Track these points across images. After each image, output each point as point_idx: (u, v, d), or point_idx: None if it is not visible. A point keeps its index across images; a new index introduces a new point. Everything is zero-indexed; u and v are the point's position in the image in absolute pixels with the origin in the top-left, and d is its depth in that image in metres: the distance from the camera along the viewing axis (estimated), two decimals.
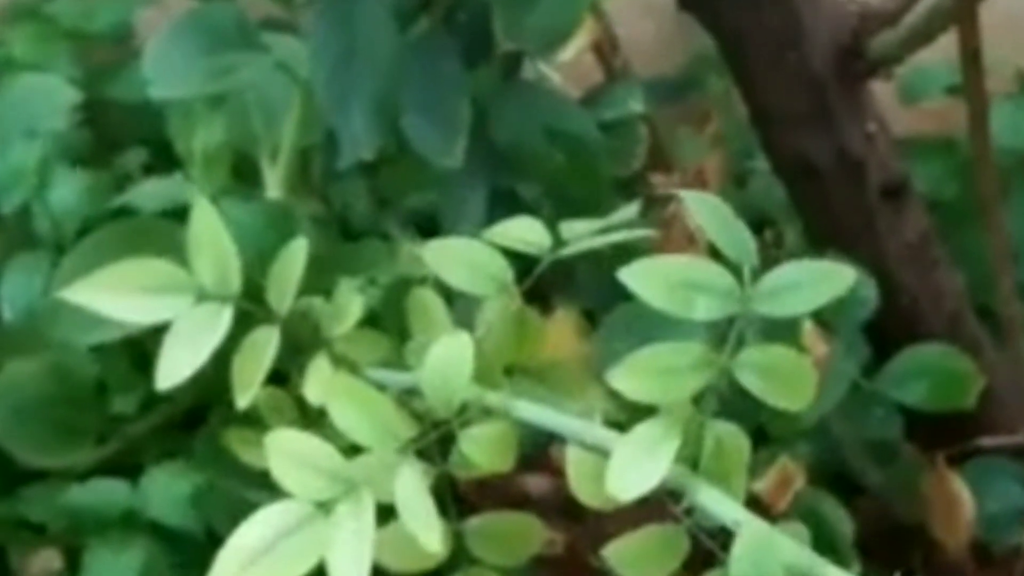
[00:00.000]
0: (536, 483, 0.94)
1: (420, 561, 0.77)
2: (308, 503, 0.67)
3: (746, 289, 0.70)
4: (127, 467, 0.86)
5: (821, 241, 0.91)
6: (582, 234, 0.76)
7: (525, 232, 0.77)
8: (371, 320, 0.81)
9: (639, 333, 0.73)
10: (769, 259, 0.99)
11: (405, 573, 0.78)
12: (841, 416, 0.91)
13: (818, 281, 0.71)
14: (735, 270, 0.71)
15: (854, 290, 0.90)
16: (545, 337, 0.78)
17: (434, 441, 0.74)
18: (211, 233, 0.75)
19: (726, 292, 0.70)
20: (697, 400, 0.71)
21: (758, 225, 1.08)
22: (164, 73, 0.83)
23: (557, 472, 0.86)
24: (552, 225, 0.78)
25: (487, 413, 0.73)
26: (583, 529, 0.94)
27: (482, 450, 0.73)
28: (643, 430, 0.69)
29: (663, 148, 1.01)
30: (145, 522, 0.83)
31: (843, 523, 0.88)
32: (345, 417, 0.71)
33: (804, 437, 0.90)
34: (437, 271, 0.76)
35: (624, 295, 0.71)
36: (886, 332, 0.91)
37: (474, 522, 0.79)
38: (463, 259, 0.76)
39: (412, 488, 0.69)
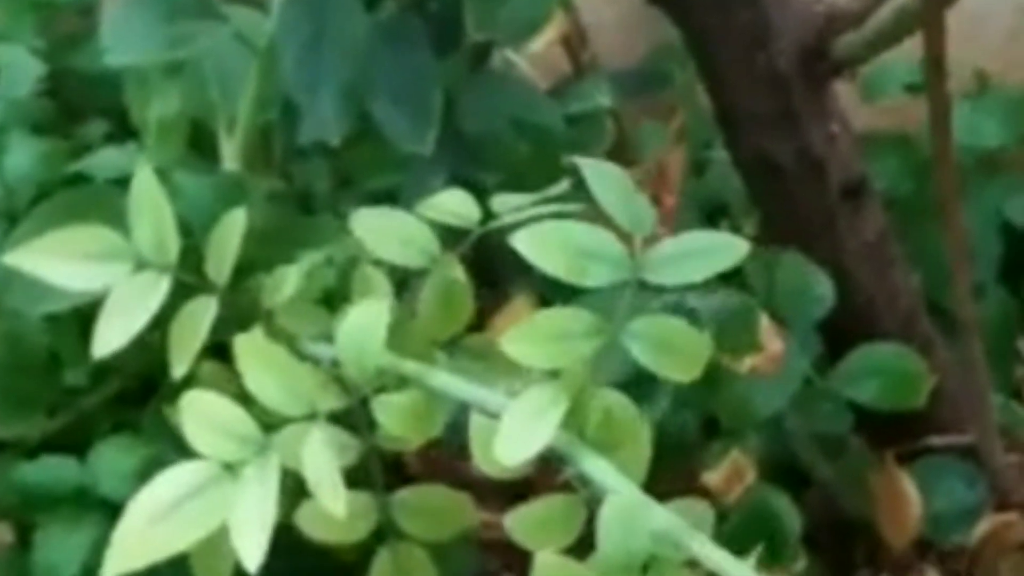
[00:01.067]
0: (478, 469, 0.95)
1: (345, 533, 0.77)
2: (216, 464, 0.67)
3: (637, 257, 0.70)
4: (78, 441, 0.85)
5: (781, 237, 0.92)
6: (513, 207, 0.76)
7: (456, 205, 0.77)
8: (326, 299, 0.81)
9: None
10: None
11: (331, 545, 0.78)
12: (793, 411, 0.92)
13: (709, 252, 0.71)
14: None
15: (810, 288, 0.92)
16: (470, 309, 0.78)
17: (362, 414, 0.74)
18: (151, 201, 0.75)
19: (618, 260, 0.70)
20: (589, 368, 0.71)
21: (715, 215, 1.09)
22: (122, 40, 0.83)
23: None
24: None
25: (403, 382, 0.73)
26: None
27: (396, 418, 0.73)
28: (532, 395, 0.70)
29: (627, 141, 1.02)
30: (96, 498, 0.82)
31: (791, 516, 0.89)
32: (258, 381, 0.70)
33: (756, 431, 0.91)
34: (366, 242, 0.77)
35: None
36: (841, 330, 0.92)
37: (401, 495, 0.79)
38: (392, 231, 0.77)
39: (319, 453, 0.68)
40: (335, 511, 0.67)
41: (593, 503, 0.70)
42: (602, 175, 0.72)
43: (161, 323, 0.76)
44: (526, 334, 0.70)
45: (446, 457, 0.89)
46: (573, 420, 0.70)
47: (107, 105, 1.00)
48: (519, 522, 0.73)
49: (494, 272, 0.87)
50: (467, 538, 0.84)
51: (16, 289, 0.81)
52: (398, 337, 0.74)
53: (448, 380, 0.73)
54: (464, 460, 0.91)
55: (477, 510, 0.94)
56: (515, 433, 0.69)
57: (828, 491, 0.94)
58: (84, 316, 0.81)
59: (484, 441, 0.71)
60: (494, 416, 0.70)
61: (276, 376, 0.70)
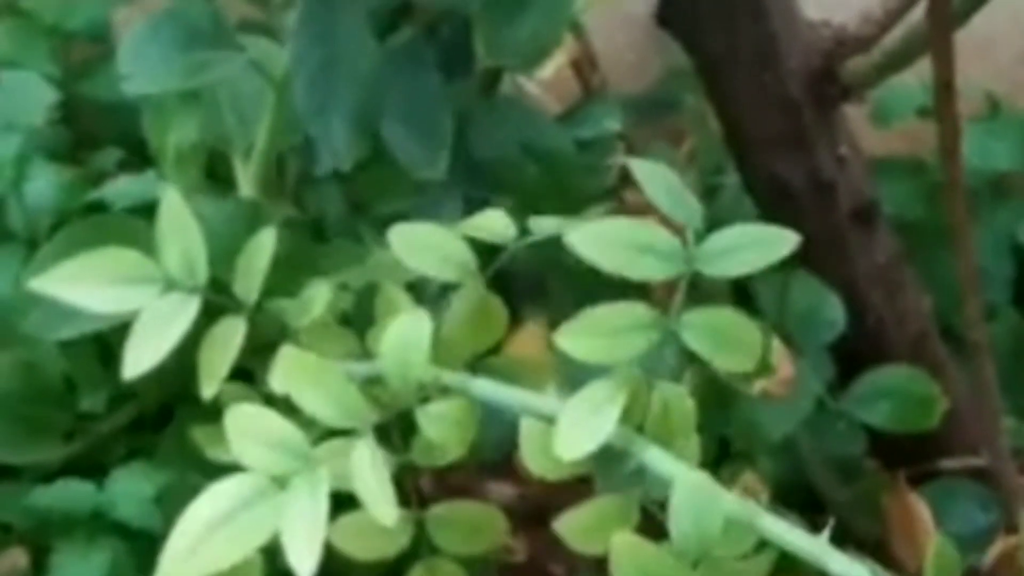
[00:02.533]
0: (500, 490, 0.95)
1: (382, 549, 0.78)
2: (264, 477, 0.67)
3: (690, 250, 0.70)
4: (95, 466, 0.86)
5: (792, 261, 0.92)
6: (548, 227, 0.76)
7: (492, 223, 0.78)
8: (342, 324, 0.82)
9: None
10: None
11: (367, 561, 0.78)
12: (806, 434, 0.92)
13: (760, 244, 0.72)
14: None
15: (822, 310, 0.92)
16: (505, 325, 0.79)
17: (397, 430, 0.75)
18: (179, 224, 0.76)
19: (670, 253, 0.70)
20: (645, 362, 0.71)
21: None
22: (139, 69, 0.84)
23: (521, 480, 0.87)
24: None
25: (445, 393, 0.74)
26: (546, 537, 0.95)
27: (440, 428, 0.73)
28: (589, 391, 0.70)
29: None
30: (112, 522, 0.83)
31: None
32: (304, 396, 0.71)
33: (768, 454, 0.91)
34: (401, 257, 0.77)
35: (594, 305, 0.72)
36: (852, 352, 0.92)
37: (436, 511, 0.79)
38: (428, 246, 0.77)
39: (367, 463, 0.69)
40: (387, 521, 0.67)
41: (647, 501, 0.71)
42: (651, 171, 0.73)
43: (178, 349, 0.77)
44: (581, 329, 0.71)
45: (461, 480, 0.90)
46: (630, 415, 0.71)
47: (121, 133, 1.00)
48: (570, 527, 0.73)
49: (508, 299, 0.87)
50: (500, 567, 0.85)
51: (34, 315, 0.82)
52: (432, 352, 0.74)
53: (494, 388, 0.73)
54: (480, 483, 0.92)
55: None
56: (574, 429, 0.69)
57: (841, 514, 0.94)
58: (100, 342, 0.82)
59: (536, 444, 0.71)
60: (547, 419, 0.70)
61: (323, 389, 0.71)
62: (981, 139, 1.09)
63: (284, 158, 0.92)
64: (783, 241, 0.71)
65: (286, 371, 0.71)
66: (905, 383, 0.92)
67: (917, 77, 0.97)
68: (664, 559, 0.66)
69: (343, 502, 0.70)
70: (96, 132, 1.04)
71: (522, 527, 0.96)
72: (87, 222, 0.84)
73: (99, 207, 0.88)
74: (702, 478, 0.69)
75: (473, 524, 0.80)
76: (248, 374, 0.79)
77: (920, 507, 0.92)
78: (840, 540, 0.93)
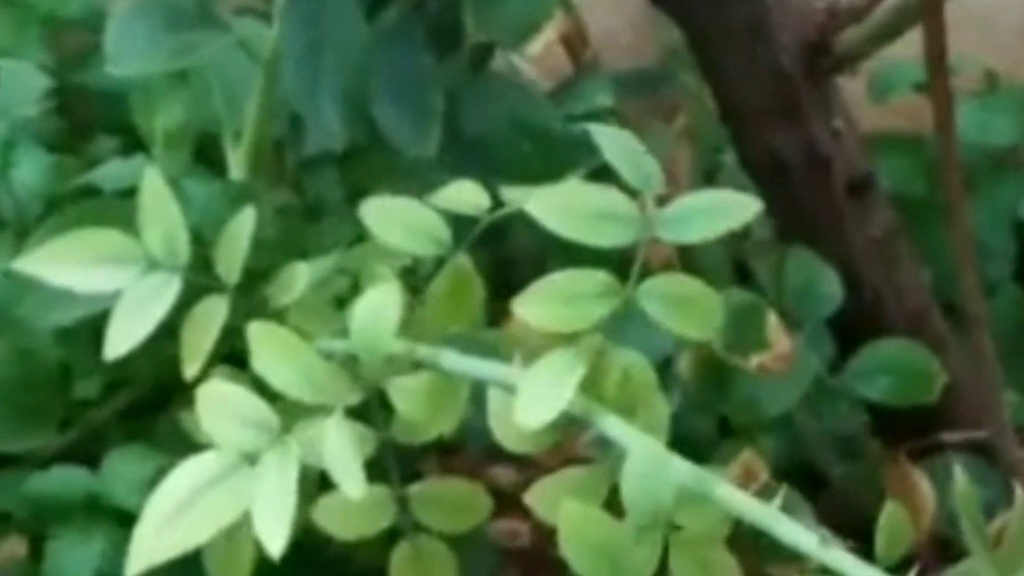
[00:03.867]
0: (503, 474, 0.95)
1: (364, 527, 0.77)
2: (234, 453, 0.67)
3: (648, 216, 0.70)
4: (91, 453, 0.86)
5: (789, 235, 0.92)
6: (520, 198, 0.75)
7: (465, 194, 0.77)
8: (338, 303, 0.81)
9: None
10: (739, 251, 1.00)
11: (350, 540, 0.78)
12: (805, 410, 0.91)
13: (720, 209, 0.71)
14: None
15: (819, 285, 0.92)
16: (481, 299, 0.78)
17: (378, 407, 0.74)
18: (160, 204, 0.76)
19: (629, 219, 0.70)
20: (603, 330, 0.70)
21: None
22: (125, 51, 0.83)
23: (525, 464, 0.87)
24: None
25: (417, 368, 0.73)
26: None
27: (412, 402, 0.73)
28: (549, 360, 0.69)
29: None
30: (108, 508, 0.82)
31: (805, 517, 0.88)
32: (272, 370, 0.70)
33: (768, 431, 0.90)
34: (374, 230, 0.76)
35: None
36: (850, 327, 0.91)
37: (418, 488, 0.79)
38: (400, 219, 0.76)
39: (337, 438, 0.68)
40: (354, 495, 0.67)
41: (616, 473, 0.69)
42: (611, 137, 0.72)
43: (172, 332, 0.77)
44: (539, 296, 0.70)
45: (465, 463, 0.90)
46: (592, 385, 0.70)
47: (116, 122, 1.00)
48: (539, 496, 0.73)
49: (508, 281, 0.87)
50: (502, 552, 0.85)
51: (27, 301, 0.81)
52: (410, 329, 0.73)
53: (462, 360, 0.72)
54: (485, 467, 0.92)
55: (500, 518, 0.94)
56: (533, 398, 0.68)
57: (842, 490, 0.93)
58: (95, 328, 0.82)
59: (503, 415, 0.70)
60: (513, 391, 0.70)
61: (291, 364, 0.70)
62: (980, 114, 1.09)
63: (280, 144, 0.92)
64: (743, 207, 0.71)
65: (256, 346, 0.71)
66: (904, 357, 0.91)
67: (913, 52, 0.96)
68: (614, 529, 0.65)
69: (328, 483, 0.69)
70: (91, 121, 1.03)
71: (527, 513, 0.96)
72: (77, 207, 0.84)
73: (90, 192, 0.88)
74: (655, 446, 0.68)
75: (457, 501, 0.80)
76: (241, 360, 0.79)
77: (921, 482, 0.91)
78: (841, 515, 0.93)
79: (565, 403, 0.68)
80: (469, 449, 0.90)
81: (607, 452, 0.71)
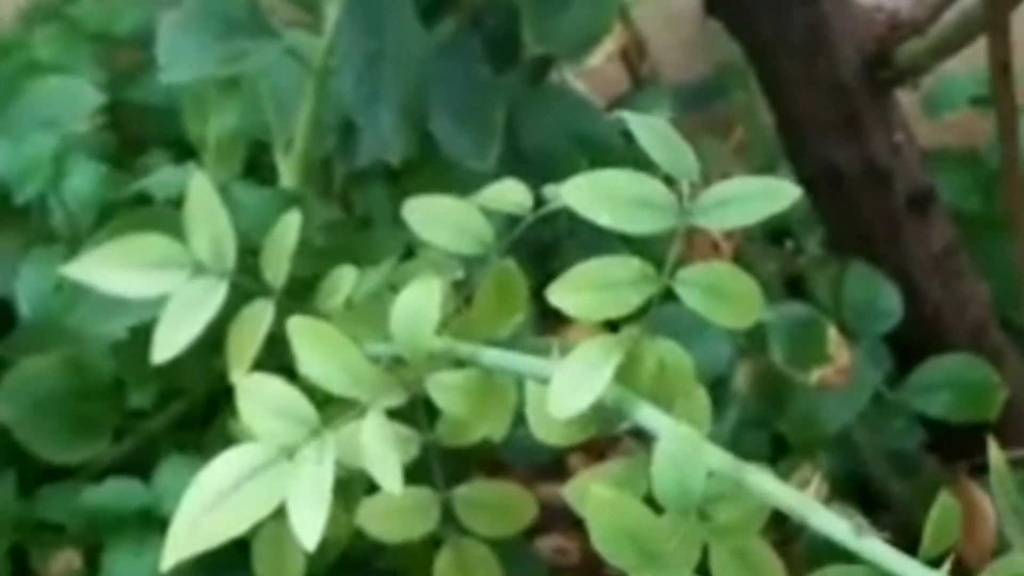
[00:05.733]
0: (551, 492, 0.94)
1: (409, 531, 0.77)
2: (272, 446, 0.66)
3: (685, 203, 0.69)
4: (144, 464, 0.85)
5: (846, 250, 0.91)
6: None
7: (509, 193, 0.76)
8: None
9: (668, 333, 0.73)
10: (791, 269, 1.00)
11: (394, 543, 0.77)
12: (862, 427, 0.91)
13: (758, 196, 0.69)
14: None
15: (878, 300, 0.91)
16: (525, 298, 0.76)
17: (423, 411, 0.74)
18: (208, 208, 0.76)
19: (666, 206, 0.68)
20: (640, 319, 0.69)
21: (779, 235, 1.08)
22: (177, 58, 0.83)
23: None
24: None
25: (460, 366, 0.72)
26: None
27: (453, 399, 0.72)
28: (584, 350, 0.68)
29: None
30: (161, 519, 0.82)
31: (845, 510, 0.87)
32: (312, 363, 0.69)
33: (825, 448, 0.89)
34: (416, 230, 0.75)
35: None
36: (910, 342, 0.91)
37: (463, 491, 0.78)
38: (443, 218, 0.76)
39: (375, 432, 0.67)
40: (392, 490, 0.66)
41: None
42: (647, 125, 0.71)
43: (221, 344, 0.76)
44: (574, 284, 0.69)
45: (516, 479, 0.89)
46: (629, 375, 0.69)
47: (167, 137, 1.00)
48: (578, 491, 0.71)
49: None
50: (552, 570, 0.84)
51: (80, 309, 0.81)
52: (456, 331, 0.73)
53: (501, 356, 0.71)
54: (537, 483, 0.91)
55: (548, 535, 0.94)
56: (567, 387, 0.67)
57: (902, 508, 0.92)
58: (146, 339, 0.82)
59: (541, 409, 0.69)
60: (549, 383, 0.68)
61: (332, 358, 0.69)
62: None
63: (330, 159, 0.92)
64: (782, 193, 0.69)
65: (297, 340, 0.70)
66: (964, 372, 0.90)
67: (969, 67, 0.95)
68: (643, 514, 0.64)
69: (375, 487, 0.68)
70: (142, 136, 1.04)
71: (575, 530, 0.95)
72: (129, 215, 0.83)
73: (141, 202, 0.88)
74: (686, 430, 0.66)
75: (501, 504, 0.79)
76: (292, 372, 0.79)
77: (982, 499, 0.90)
78: (899, 535, 0.92)
79: (599, 392, 0.67)
80: (516, 467, 0.89)
81: (648, 448, 0.70)
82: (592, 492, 0.64)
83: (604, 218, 0.68)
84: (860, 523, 0.65)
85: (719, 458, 0.66)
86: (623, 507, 0.64)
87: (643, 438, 0.69)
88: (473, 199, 0.76)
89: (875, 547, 0.65)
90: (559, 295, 0.69)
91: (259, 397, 0.68)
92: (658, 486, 0.65)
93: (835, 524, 0.65)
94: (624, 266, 0.69)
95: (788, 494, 0.65)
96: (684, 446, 0.65)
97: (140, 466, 0.84)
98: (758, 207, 0.69)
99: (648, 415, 0.68)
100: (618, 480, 0.70)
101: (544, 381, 0.69)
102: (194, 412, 0.87)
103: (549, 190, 0.75)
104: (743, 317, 0.69)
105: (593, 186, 0.69)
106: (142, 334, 0.80)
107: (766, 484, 0.66)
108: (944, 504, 0.66)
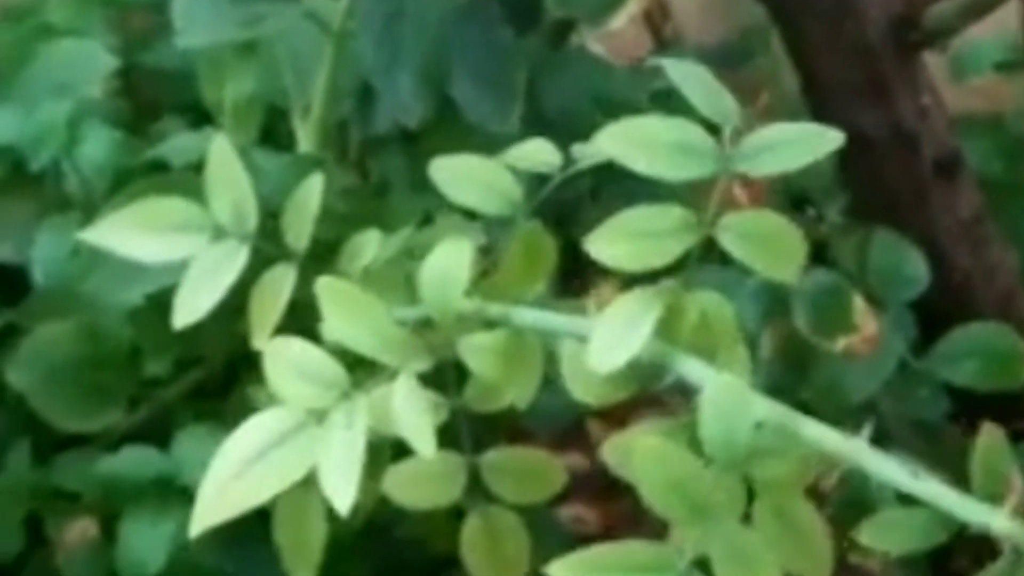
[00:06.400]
0: (572, 460, 0.93)
1: (436, 497, 0.76)
2: (301, 410, 0.65)
3: (726, 149, 0.67)
4: (161, 432, 0.85)
5: (872, 216, 0.90)
6: (593, 154, 0.73)
7: (538, 152, 0.75)
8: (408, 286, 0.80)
9: None
10: (813, 235, 0.99)
11: (422, 510, 0.77)
12: (888, 395, 0.89)
13: (800, 141, 0.69)
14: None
15: (904, 267, 0.90)
16: (554, 257, 0.75)
17: (451, 376, 0.73)
18: (228, 172, 0.75)
19: (706, 152, 0.67)
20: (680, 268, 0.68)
21: (800, 202, 1.07)
22: (193, 22, 0.83)
23: (593, 451, 0.85)
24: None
25: (490, 327, 0.71)
26: (618, 509, 0.93)
27: (486, 361, 0.71)
28: (622, 303, 0.67)
29: None
30: (179, 488, 0.81)
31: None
32: (339, 323, 0.68)
33: (850, 416, 0.88)
34: (444, 190, 0.74)
35: None
36: (937, 310, 0.90)
37: (490, 456, 0.78)
38: (471, 178, 0.74)
39: (407, 395, 0.66)
40: (426, 453, 0.65)
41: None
42: (687, 72, 0.70)
43: (240, 311, 0.75)
44: (613, 233, 0.68)
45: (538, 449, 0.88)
46: (669, 330, 0.68)
47: (182, 102, 0.99)
48: (617, 449, 0.70)
49: (581, 267, 0.85)
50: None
51: (95, 277, 0.81)
52: (482, 291, 0.72)
53: (535, 315, 0.70)
54: (558, 453, 0.90)
55: (568, 504, 0.93)
56: (607, 342, 0.66)
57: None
58: (163, 306, 0.81)
59: (577, 367, 0.68)
60: (586, 341, 0.67)
61: (361, 320, 0.68)
62: None
63: (346, 124, 0.91)
64: (825, 139, 0.68)
65: (325, 302, 0.69)
66: (992, 340, 0.89)
67: (997, 31, 0.94)
68: (691, 465, 0.63)
69: (400, 451, 0.68)
70: (156, 102, 1.03)
71: (594, 499, 0.95)
72: (145, 181, 0.83)
73: (157, 167, 0.87)
74: (732, 380, 0.65)
75: (529, 470, 0.78)
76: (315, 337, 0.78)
77: (1009, 468, 0.89)
78: None
79: (639, 346, 0.66)
80: (538, 435, 0.88)
81: (688, 405, 0.69)
82: (640, 444, 0.63)
83: (641, 164, 0.67)
84: (916, 469, 0.64)
85: (767, 407, 0.66)
86: (672, 458, 0.63)
87: (675, 398, 0.68)
88: (500, 158, 0.74)
89: (934, 488, 0.64)
90: (597, 245, 0.67)
91: (286, 360, 0.67)
92: (706, 436, 0.64)
93: (893, 469, 0.64)
94: (664, 214, 0.68)
95: (840, 440, 0.65)
96: (731, 395, 0.64)
97: (158, 435, 0.84)
98: (799, 153, 0.68)
99: (692, 368, 0.67)
100: (662, 436, 0.68)
101: (581, 339, 0.68)
102: (213, 380, 0.86)
103: (577, 149, 0.73)
104: (787, 266, 0.68)
105: (630, 133, 0.68)
106: (159, 301, 0.79)
107: (817, 430, 0.65)
108: (989, 440, 0.65)
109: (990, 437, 0.66)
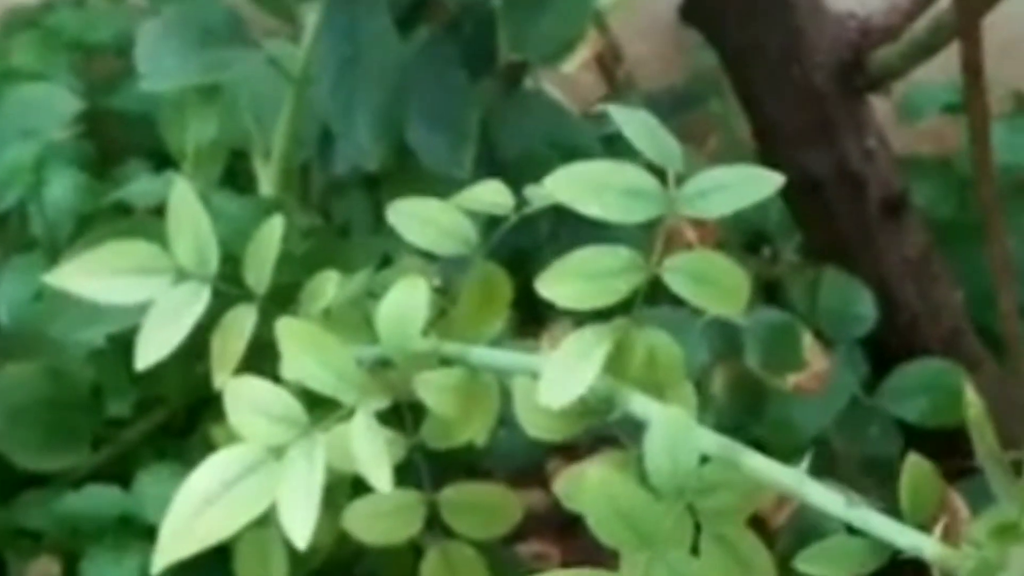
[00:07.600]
0: (533, 499, 0.94)
1: (395, 533, 0.77)
2: (260, 447, 0.66)
3: (671, 191, 0.69)
4: (123, 472, 0.86)
5: (822, 256, 0.92)
6: (545, 197, 0.74)
7: (491, 195, 0.76)
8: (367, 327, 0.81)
9: None
10: (767, 276, 1.00)
11: (381, 546, 0.78)
12: (840, 431, 0.91)
13: (741, 184, 0.70)
14: None
15: (853, 305, 0.91)
16: (508, 298, 0.76)
17: (408, 415, 0.74)
18: (190, 214, 0.76)
19: (652, 195, 0.69)
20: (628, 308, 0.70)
21: (755, 243, 1.09)
22: (157, 66, 0.84)
23: (551, 488, 0.86)
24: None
25: (446, 365, 0.73)
26: (579, 545, 0.94)
27: (441, 398, 0.72)
28: (574, 340, 0.69)
29: None
30: (141, 527, 0.82)
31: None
32: (298, 362, 0.70)
33: (801, 453, 0.90)
34: (401, 232, 0.76)
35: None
36: (885, 347, 0.91)
37: (448, 492, 0.79)
38: (429, 220, 0.76)
39: (365, 431, 0.68)
40: (383, 488, 0.66)
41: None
42: (632, 118, 0.71)
43: (202, 352, 0.77)
44: (561, 274, 0.69)
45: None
46: (618, 366, 0.69)
47: (145, 146, 1.00)
48: (568, 484, 0.72)
49: (536, 308, 0.87)
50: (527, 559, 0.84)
51: (61, 318, 0.81)
52: (439, 330, 0.73)
53: (490, 353, 0.72)
54: (519, 491, 0.91)
55: (528, 540, 0.94)
56: (557, 378, 0.68)
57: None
58: (126, 348, 0.82)
59: (529, 402, 0.70)
60: (539, 377, 0.69)
61: (319, 358, 0.70)
62: (1007, 136, 1.08)
63: (308, 167, 0.92)
64: (766, 181, 0.69)
65: (284, 340, 0.70)
66: (940, 377, 0.90)
67: (943, 75, 0.96)
68: (638, 496, 0.64)
69: (359, 488, 0.69)
70: (120, 145, 1.04)
71: (555, 536, 0.95)
72: (108, 224, 0.84)
73: (120, 210, 0.88)
74: (677, 413, 0.67)
75: (486, 505, 0.79)
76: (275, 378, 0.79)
77: (958, 504, 0.91)
78: None
79: (588, 382, 0.68)
80: (495, 475, 0.89)
81: (637, 441, 0.71)
82: (588, 476, 0.65)
83: (593, 208, 0.68)
84: (851, 496, 0.65)
85: (711, 439, 0.67)
86: (619, 489, 0.64)
87: (629, 436, 0.70)
88: (454, 200, 0.76)
89: (867, 516, 0.66)
90: (548, 285, 0.69)
91: (246, 399, 0.68)
92: (652, 467, 0.65)
93: (827, 497, 0.66)
94: (612, 255, 0.69)
95: (781, 470, 0.67)
96: (676, 428, 0.66)
97: (120, 474, 0.84)
98: (742, 194, 0.69)
99: (639, 403, 0.69)
100: (611, 468, 0.70)
101: (534, 375, 0.69)
102: (174, 420, 0.87)
103: (531, 191, 0.75)
104: (731, 304, 0.69)
105: (579, 178, 0.69)
106: (121, 342, 0.80)
107: (759, 462, 0.67)
108: (914, 463, 0.67)
109: (916, 466, 0.67)
